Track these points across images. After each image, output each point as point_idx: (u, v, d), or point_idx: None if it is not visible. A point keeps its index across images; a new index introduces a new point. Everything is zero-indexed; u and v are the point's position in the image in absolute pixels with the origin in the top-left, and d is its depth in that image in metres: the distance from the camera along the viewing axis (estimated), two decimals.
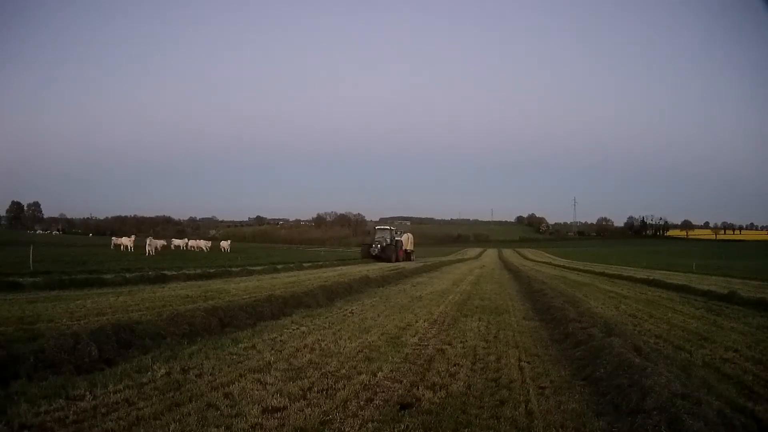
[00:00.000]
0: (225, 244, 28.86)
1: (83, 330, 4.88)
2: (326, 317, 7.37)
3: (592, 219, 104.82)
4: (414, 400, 3.42)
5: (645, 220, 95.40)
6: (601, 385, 3.53)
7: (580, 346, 4.80)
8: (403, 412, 3.14)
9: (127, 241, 24.81)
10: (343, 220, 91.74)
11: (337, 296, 9.41)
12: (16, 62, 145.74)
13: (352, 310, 8.09)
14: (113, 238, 26.61)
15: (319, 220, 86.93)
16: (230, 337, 5.59)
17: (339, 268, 18.95)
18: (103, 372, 4.01)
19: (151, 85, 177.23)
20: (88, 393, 3.46)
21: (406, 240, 32.74)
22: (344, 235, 77.30)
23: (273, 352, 4.96)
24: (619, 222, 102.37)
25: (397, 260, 26.88)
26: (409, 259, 32.09)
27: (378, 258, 27.29)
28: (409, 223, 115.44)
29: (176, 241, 30.43)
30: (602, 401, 3.24)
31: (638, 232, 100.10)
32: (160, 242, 27.36)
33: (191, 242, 29.71)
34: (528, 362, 4.58)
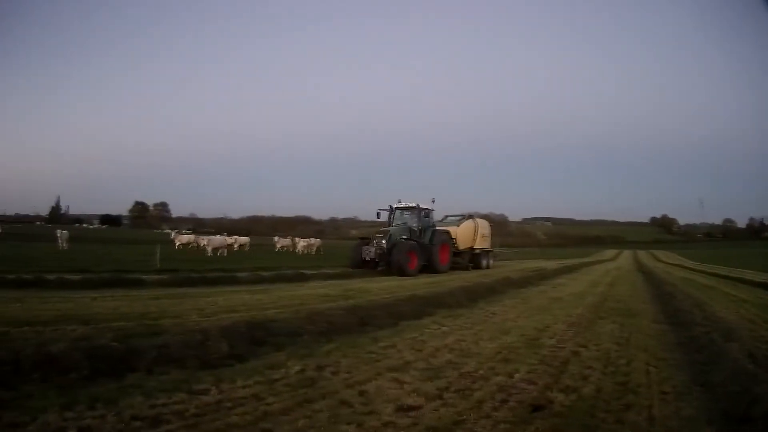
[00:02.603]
0: None
1: (213, 326, 7.79)
2: (467, 318, 11.15)
3: (718, 220, 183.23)
4: (546, 402, 5.41)
5: (764, 221, 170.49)
6: (716, 391, 6.03)
7: (702, 350, 8.35)
8: (534, 414, 5.05)
9: (243, 240, 40.83)
10: (485, 220, 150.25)
11: (478, 297, 14.69)
12: (144, 62, 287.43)
13: (493, 310, 12.32)
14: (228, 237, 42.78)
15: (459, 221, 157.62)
16: (370, 336, 8.61)
17: (481, 269, 30.67)
18: (232, 368, 6.35)
19: (287, 85, 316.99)
20: (213, 388, 5.46)
21: (469, 232, 31.67)
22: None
23: (412, 351, 7.71)
24: (742, 223, 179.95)
25: (415, 269, 24.70)
26: (478, 266, 31.32)
27: (371, 266, 25.33)
28: (550, 223, 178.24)
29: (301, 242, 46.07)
30: (715, 408, 5.49)
31: (758, 233, 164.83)
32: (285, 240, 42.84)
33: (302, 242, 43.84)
34: (655, 366, 7.27)
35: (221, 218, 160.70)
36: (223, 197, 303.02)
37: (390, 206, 28.88)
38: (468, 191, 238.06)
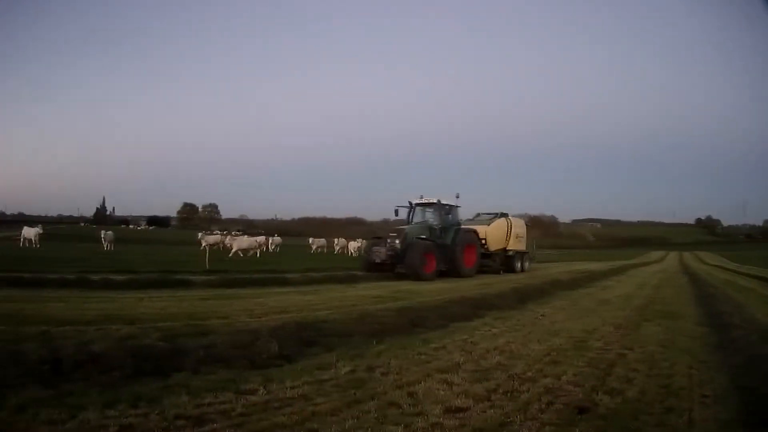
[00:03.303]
0: None
1: (263, 327, 8.18)
2: (517, 319, 11.63)
3: (759, 221, 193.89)
4: (592, 404, 5.72)
5: None
6: (753, 394, 6.40)
7: (740, 353, 8.78)
8: (579, 416, 5.35)
9: (277, 241, 42.90)
10: (536, 221, 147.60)
11: (528, 298, 15.47)
12: (197, 64, 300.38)
13: (542, 312, 12.91)
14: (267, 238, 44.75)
15: None
16: (420, 338, 8.98)
17: (531, 270, 31.07)
18: (280, 368, 6.57)
19: (340, 86, 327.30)
20: (261, 388, 5.65)
21: (501, 232, 29.87)
22: (536, 237, 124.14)
23: (462, 353, 8.00)
24: None
25: (432, 272, 23.39)
26: (511, 269, 29.59)
27: (379, 268, 23.96)
28: (599, 224, 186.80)
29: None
30: (749, 411, 5.83)
31: None
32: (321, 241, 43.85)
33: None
34: (696, 369, 7.69)
35: (272, 220, 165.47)
36: (274, 199, 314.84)
37: (409, 202, 27.47)
38: (519, 192, 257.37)
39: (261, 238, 39.07)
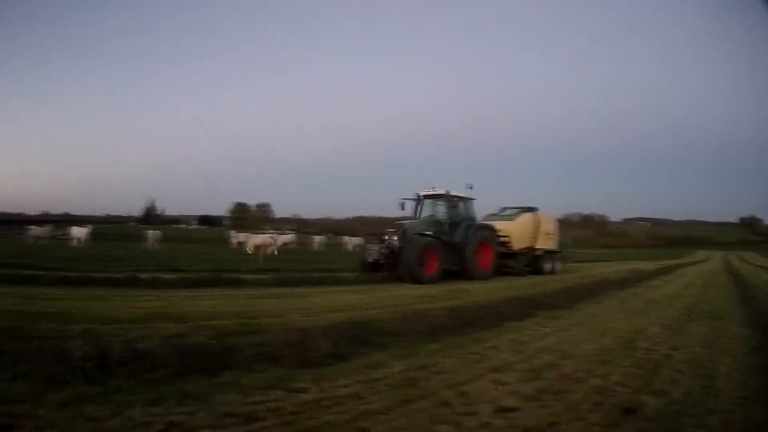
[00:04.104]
0: None
1: (315, 326, 8.44)
2: (567, 319, 11.95)
3: None
4: (637, 405, 5.94)
5: None
6: None
7: None
8: (625, 417, 5.61)
9: (287, 239, 42.21)
10: (586, 221, 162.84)
11: (578, 298, 15.97)
12: (248, 63, 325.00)
13: (592, 312, 13.36)
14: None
15: (565, 221, 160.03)
16: (472, 337, 9.24)
17: (581, 270, 32.19)
18: (332, 367, 6.78)
19: (386, 83, 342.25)
20: (312, 386, 5.84)
21: (526, 229, 27.99)
22: (586, 237, 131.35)
23: (513, 352, 8.28)
24: None
25: (433, 273, 21.61)
26: (539, 270, 28.05)
27: (377, 268, 22.42)
28: (649, 224, 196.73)
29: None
30: None
31: None
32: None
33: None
34: (737, 371, 7.95)
35: (325, 219, 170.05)
36: (328, 198, 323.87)
37: (416, 194, 25.41)
38: (570, 191, 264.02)
39: (287, 236, 40.71)
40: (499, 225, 27.13)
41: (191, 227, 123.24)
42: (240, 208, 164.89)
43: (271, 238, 37.22)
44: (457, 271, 23.05)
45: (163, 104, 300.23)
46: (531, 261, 28.41)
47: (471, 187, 25.00)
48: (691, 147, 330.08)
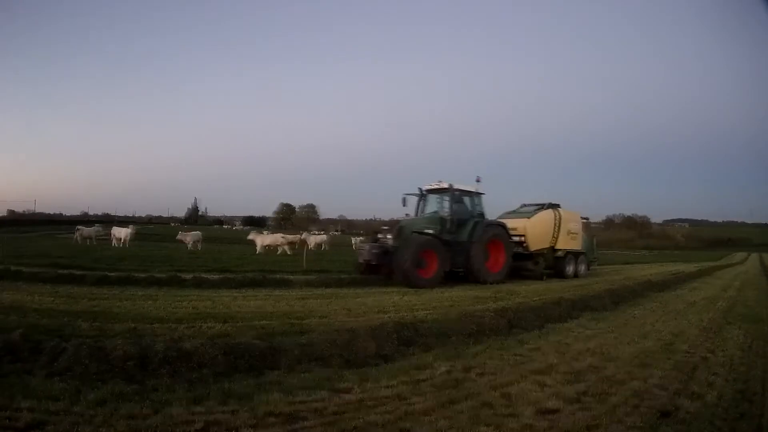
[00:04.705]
0: None
1: (361, 326, 8.65)
2: (610, 321, 12.40)
3: None
4: (673, 408, 6.16)
5: None
6: None
7: None
8: (661, 420, 5.77)
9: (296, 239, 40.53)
10: (629, 222, 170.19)
11: (621, 300, 16.45)
12: (297, 66, 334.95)
13: (634, 314, 13.80)
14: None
15: (608, 222, 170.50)
16: (516, 339, 9.58)
17: (624, 271, 32.98)
18: (377, 367, 7.01)
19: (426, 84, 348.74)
20: (356, 386, 6.07)
21: (545, 227, 26.00)
22: (629, 238, 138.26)
23: (556, 354, 8.54)
24: None
25: (432, 277, 20.08)
26: (562, 274, 26.01)
27: (375, 270, 20.81)
28: (687, 225, 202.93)
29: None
30: None
31: None
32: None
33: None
34: None
35: (371, 220, 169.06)
36: (372, 199, 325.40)
37: (419, 189, 23.58)
38: (612, 191, 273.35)
39: (319, 236, 40.75)
40: (513, 223, 25.33)
41: (235, 228, 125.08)
42: (286, 209, 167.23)
43: (282, 237, 37.53)
44: (463, 273, 21.59)
45: (210, 105, 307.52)
46: (552, 263, 26.35)
47: (479, 181, 23.33)
48: (730, 148, 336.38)
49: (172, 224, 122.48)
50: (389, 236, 20.92)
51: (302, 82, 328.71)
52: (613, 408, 6.10)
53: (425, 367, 7.30)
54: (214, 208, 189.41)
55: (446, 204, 22.45)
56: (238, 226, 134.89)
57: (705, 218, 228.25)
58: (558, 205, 27.18)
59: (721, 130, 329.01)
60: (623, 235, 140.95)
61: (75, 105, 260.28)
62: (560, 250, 26.39)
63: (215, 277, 16.51)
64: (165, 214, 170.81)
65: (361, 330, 8.47)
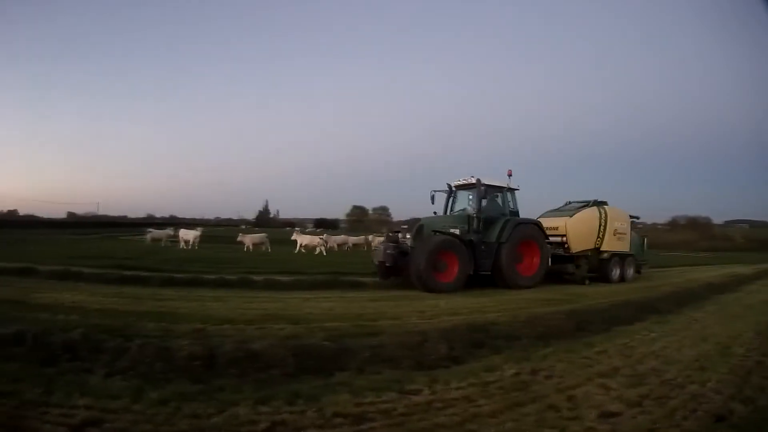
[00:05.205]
0: None
1: (433, 328, 9.00)
2: (674, 324, 12.45)
3: None
4: (728, 412, 6.27)
5: None
6: None
7: None
8: (715, 424, 5.94)
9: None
10: (691, 222, 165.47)
11: (684, 302, 16.40)
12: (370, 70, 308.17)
13: (695, 317, 13.86)
14: None
15: (674, 223, 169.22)
16: (584, 341, 9.70)
17: (686, 273, 32.97)
18: (447, 369, 7.17)
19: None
20: (425, 388, 6.21)
21: (589, 226, 24.30)
22: (693, 239, 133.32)
23: (622, 357, 8.69)
24: None
25: (451, 281, 18.72)
26: (607, 278, 24.02)
27: (392, 272, 19.72)
28: (747, 225, 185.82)
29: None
30: None
31: None
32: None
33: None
34: None
35: None
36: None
37: (448, 185, 22.31)
38: (676, 191, 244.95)
39: (358, 238, 42.60)
40: (552, 222, 24.16)
41: (307, 230, 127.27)
42: (357, 211, 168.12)
43: (320, 239, 39.56)
44: (492, 277, 19.96)
45: (284, 105, 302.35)
46: (597, 266, 24.48)
47: (510, 175, 21.63)
48: None
49: (243, 226, 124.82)
50: (408, 236, 19.67)
51: (377, 83, 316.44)
52: (672, 412, 6.30)
53: (494, 369, 7.47)
54: (286, 210, 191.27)
55: (474, 201, 20.95)
56: (311, 229, 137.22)
57: (764, 219, 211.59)
58: (605, 203, 25.64)
59: None
60: (687, 237, 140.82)
61: (141, 108, 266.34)
62: (605, 251, 24.70)
63: (287, 278, 16.88)
64: (235, 216, 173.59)
65: (432, 332, 8.77)
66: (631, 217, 27.02)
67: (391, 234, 21.57)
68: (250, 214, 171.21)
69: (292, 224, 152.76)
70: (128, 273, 16.72)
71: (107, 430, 4.83)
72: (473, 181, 20.63)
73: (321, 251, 35.59)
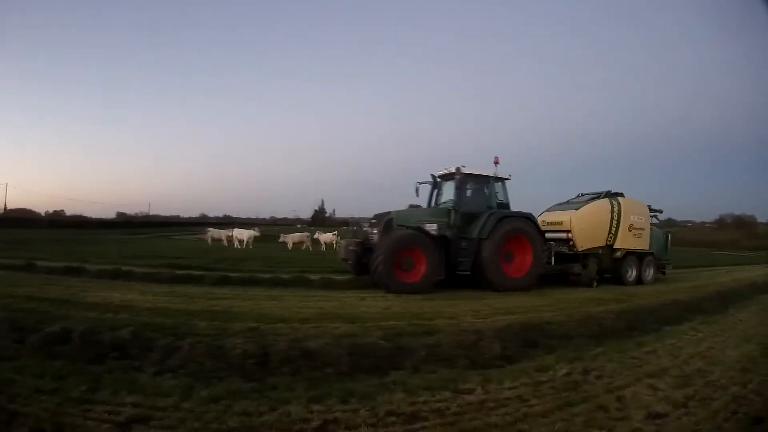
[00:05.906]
0: None
1: (487, 327, 9.16)
2: (720, 324, 12.46)
3: None
4: (766, 415, 6.29)
5: None
6: None
7: None
8: (754, 426, 6.05)
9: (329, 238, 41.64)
10: (738, 221, 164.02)
11: (730, 302, 16.36)
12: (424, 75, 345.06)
13: (740, 317, 13.84)
14: None
15: (721, 222, 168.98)
16: (635, 341, 9.81)
17: (732, 273, 32.55)
18: (501, 369, 7.28)
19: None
20: (479, 387, 6.32)
21: (598, 221, 22.00)
22: (738, 238, 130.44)
23: (670, 357, 8.79)
24: None
25: (418, 281, 17.14)
26: (622, 280, 21.93)
27: (362, 270, 18.33)
28: None
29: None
30: None
31: None
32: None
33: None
34: None
35: None
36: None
37: (432, 176, 20.49)
38: (725, 190, 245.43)
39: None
40: (556, 216, 22.22)
41: (363, 229, 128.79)
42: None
43: (308, 236, 40.98)
44: (472, 276, 18.09)
45: (340, 106, 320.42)
46: (609, 266, 22.32)
47: (497, 163, 19.67)
48: None
49: (298, 225, 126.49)
50: (374, 230, 18.30)
51: (432, 84, 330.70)
52: (714, 413, 6.38)
53: (547, 368, 7.59)
54: (342, 209, 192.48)
55: (456, 192, 18.95)
56: (366, 228, 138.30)
57: None
58: (620, 194, 23.15)
59: None
60: (733, 236, 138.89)
61: (197, 109, 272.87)
62: (619, 249, 22.27)
63: (343, 278, 17.13)
64: (290, 216, 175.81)
65: (487, 331, 8.94)
66: (651, 210, 24.40)
67: (361, 229, 20.07)
68: (306, 214, 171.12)
69: (347, 223, 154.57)
70: (180, 272, 17.10)
71: (154, 427, 4.98)
72: (452, 169, 18.88)
73: (308, 247, 38.11)
